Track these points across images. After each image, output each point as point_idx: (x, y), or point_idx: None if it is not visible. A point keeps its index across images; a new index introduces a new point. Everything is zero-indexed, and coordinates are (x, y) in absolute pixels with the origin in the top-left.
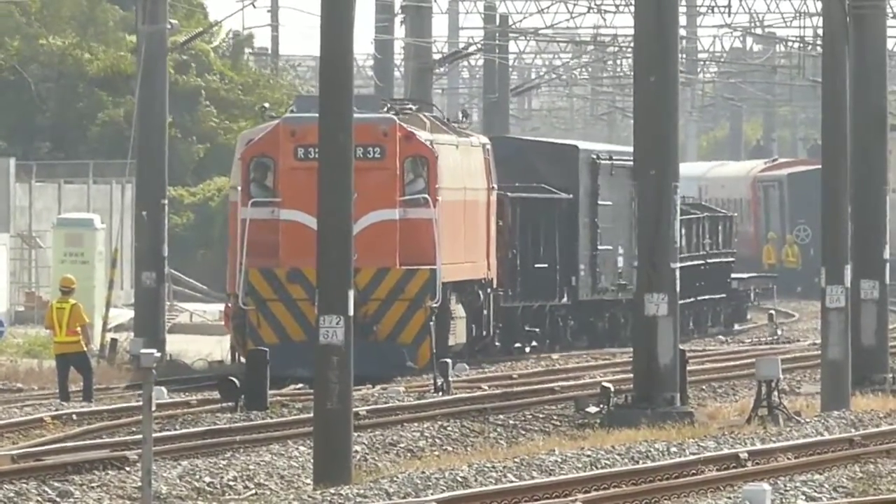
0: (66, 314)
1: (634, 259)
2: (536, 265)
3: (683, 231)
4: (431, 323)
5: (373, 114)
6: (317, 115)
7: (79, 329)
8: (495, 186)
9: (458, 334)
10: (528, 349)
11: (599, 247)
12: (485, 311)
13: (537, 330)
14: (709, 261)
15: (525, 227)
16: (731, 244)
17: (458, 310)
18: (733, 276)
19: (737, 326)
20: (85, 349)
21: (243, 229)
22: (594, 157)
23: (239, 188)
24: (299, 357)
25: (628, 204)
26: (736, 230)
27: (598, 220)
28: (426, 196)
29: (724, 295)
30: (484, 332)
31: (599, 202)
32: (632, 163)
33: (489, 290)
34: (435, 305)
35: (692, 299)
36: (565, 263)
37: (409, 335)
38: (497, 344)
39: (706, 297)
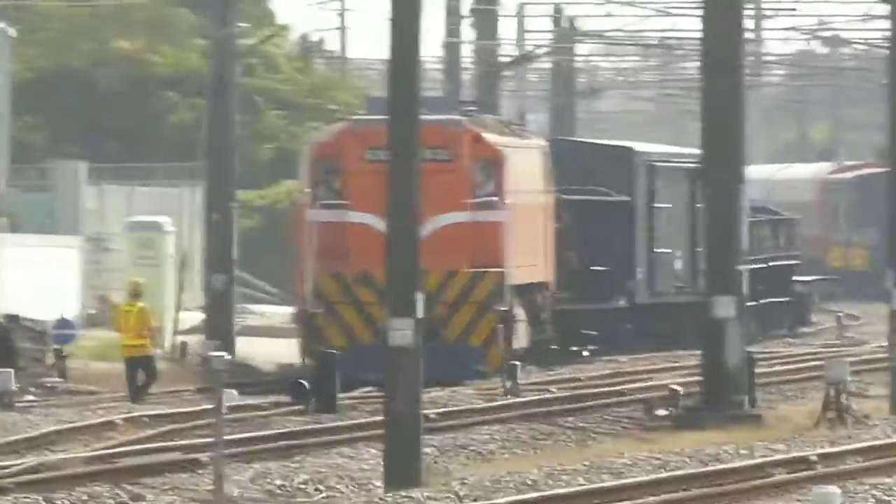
0: (134, 317)
1: (692, 262)
2: (593, 268)
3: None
4: (501, 326)
5: (441, 115)
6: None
7: (146, 332)
8: (553, 189)
9: (521, 338)
10: (585, 353)
11: (656, 249)
12: (543, 315)
13: (595, 333)
14: (771, 263)
15: (581, 230)
16: (793, 247)
17: (520, 313)
18: (796, 278)
19: (801, 329)
20: (152, 352)
21: (312, 232)
22: (650, 159)
23: (308, 190)
24: (368, 361)
25: (686, 206)
26: (799, 233)
27: (654, 222)
28: (496, 199)
29: (787, 298)
30: (542, 336)
31: (656, 204)
32: (688, 164)
33: (547, 293)
34: (505, 309)
35: (754, 302)
36: (622, 266)
37: (478, 338)
38: (554, 347)
39: (769, 300)
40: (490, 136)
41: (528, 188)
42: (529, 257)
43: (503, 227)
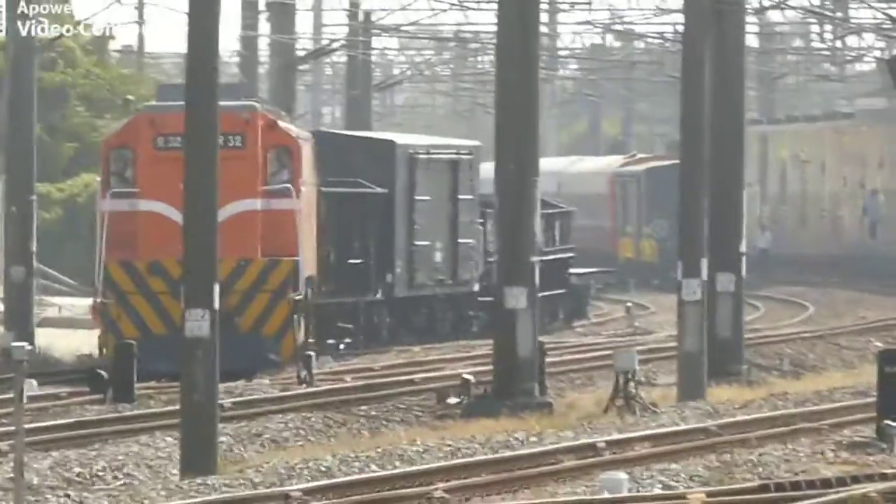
0: None
1: (453, 254)
2: (350, 261)
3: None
4: (295, 315)
5: (234, 101)
6: (178, 103)
7: None
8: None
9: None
10: (341, 347)
11: (416, 242)
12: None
13: (350, 326)
14: (547, 256)
15: (340, 223)
16: (568, 239)
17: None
18: (572, 270)
19: (578, 321)
20: None
21: (104, 221)
22: (411, 151)
23: (101, 180)
24: (161, 351)
25: (448, 199)
26: (575, 225)
27: (415, 215)
28: (289, 186)
29: (563, 290)
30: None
31: (416, 197)
32: (451, 156)
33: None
34: (298, 297)
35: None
36: (380, 259)
37: (272, 327)
38: (311, 341)
39: (544, 293)
40: (284, 124)
41: (311, 180)
42: (311, 249)
43: (296, 216)
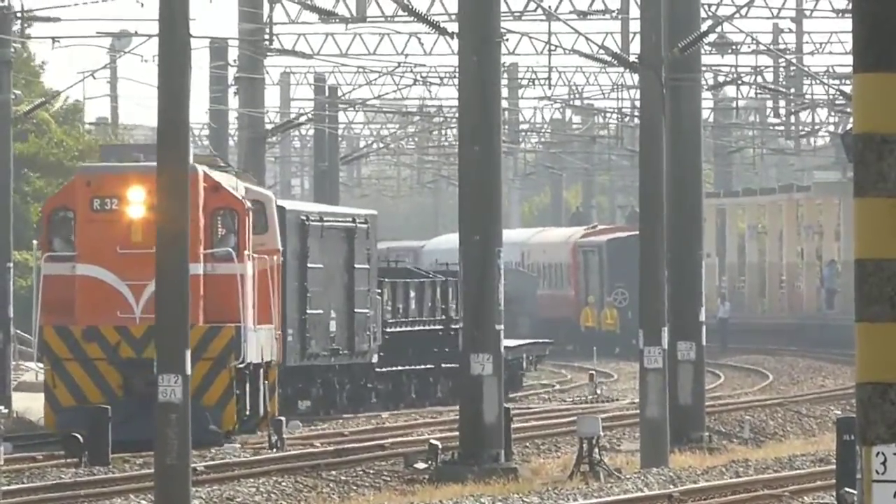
0: None
1: (349, 323)
2: None
3: (414, 295)
4: (236, 383)
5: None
6: (115, 164)
7: None
8: None
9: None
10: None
11: (309, 311)
12: None
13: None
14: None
15: None
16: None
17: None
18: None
19: (512, 394)
20: None
21: (39, 286)
22: (303, 217)
23: (42, 243)
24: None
25: (344, 266)
26: (538, 293)
27: (307, 283)
28: (230, 249)
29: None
30: None
31: (309, 265)
32: (347, 224)
33: None
34: (241, 365)
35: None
36: None
37: (212, 397)
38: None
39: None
40: (230, 186)
41: (272, 243)
42: (268, 314)
43: (238, 280)
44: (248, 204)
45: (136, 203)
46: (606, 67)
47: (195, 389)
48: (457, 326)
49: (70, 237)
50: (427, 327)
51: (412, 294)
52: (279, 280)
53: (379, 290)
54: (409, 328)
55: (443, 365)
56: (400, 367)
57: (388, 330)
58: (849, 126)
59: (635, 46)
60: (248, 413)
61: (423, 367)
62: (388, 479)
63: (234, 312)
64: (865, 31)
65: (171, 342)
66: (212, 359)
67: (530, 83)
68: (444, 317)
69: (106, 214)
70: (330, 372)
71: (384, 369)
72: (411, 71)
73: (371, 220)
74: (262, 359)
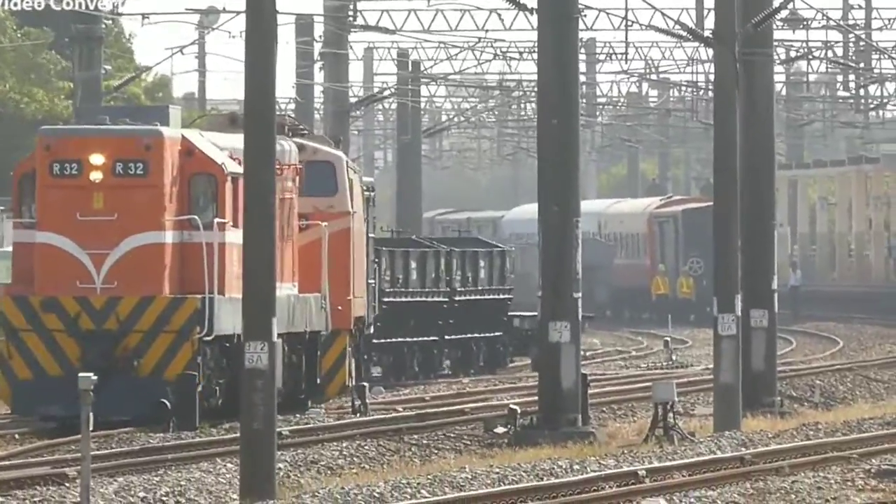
0: None
1: None
2: None
3: (415, 266)
4: (200, 357)
5: (141, 125)
6: (78, 127)
7: None
8: None
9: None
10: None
11: None
12: None
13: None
14: (486, 296)
15: None
16: (506, 280)
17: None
18: (511, 313)
19: (517, 362)
20: None
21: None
22: None
23: (12, 210)
24: (54, 394)
25: None
26: (513, 266)
27: None
28: (196, 218)
29: (499, 333)
30: None
31: None
32: None
33: None
34: (208, 338)
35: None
36: None
37: (174, 371)
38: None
39: (472, 335)
40: (209, 149)
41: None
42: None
43: (204, 249)
44: (232, 169)
45: (98, 168)
46: (682, 42)
47: (156, 364)
48: (460, 299)
49: (32, 203)
50: (429, 299)
51: (413, 265)
52: (351, 243)
53: (376, 260)
54: (408, 299)
55: (446, 337)
56: (399, 339)
57: (386, 300)
58: None
59: (710, 22)
60: (303, 385)
61: (425, 339)
62: (468, 442)
63: (200, 283)
64: None
65: (257, 310)
66: (175, 331)
67: (607, 58)
68: (448, 288)
69: (66, 180)
70: None
71: (381, 341)
72: (491, 46)
73: (371, 188)
74: (307, 328)
